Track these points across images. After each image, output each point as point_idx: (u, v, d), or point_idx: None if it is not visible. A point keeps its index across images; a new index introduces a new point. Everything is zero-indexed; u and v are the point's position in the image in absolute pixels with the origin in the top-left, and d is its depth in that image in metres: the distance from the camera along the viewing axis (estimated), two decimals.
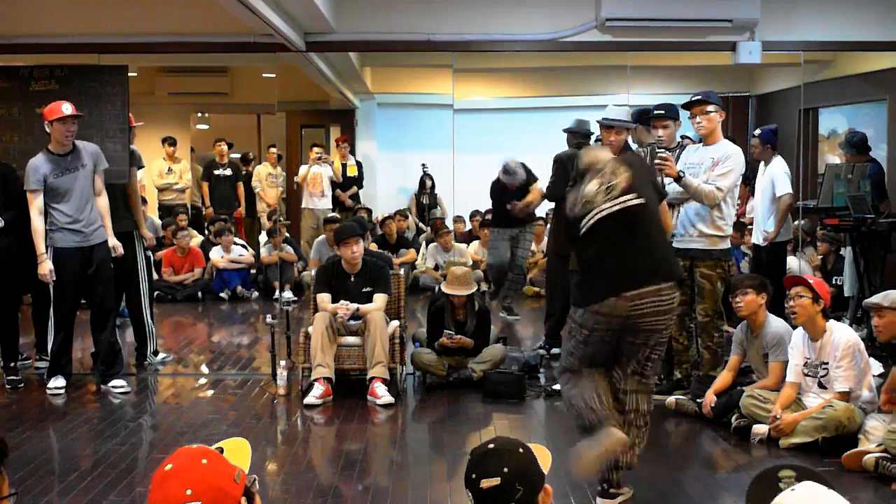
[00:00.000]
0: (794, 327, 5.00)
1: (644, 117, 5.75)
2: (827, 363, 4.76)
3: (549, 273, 6.93)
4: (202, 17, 7.22)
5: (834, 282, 7.73)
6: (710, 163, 5.30)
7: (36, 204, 5.75)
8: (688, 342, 5.53)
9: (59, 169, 5.78)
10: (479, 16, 7.35)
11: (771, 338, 5.09)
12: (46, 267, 5.74)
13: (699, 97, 5.38)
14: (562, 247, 6.19)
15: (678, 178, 5.13)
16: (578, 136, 6.75)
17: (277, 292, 9.06)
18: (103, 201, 6.00)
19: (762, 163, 6.97)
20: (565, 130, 6.91)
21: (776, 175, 6.80)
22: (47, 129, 5.80)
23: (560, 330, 6.86)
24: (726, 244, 5.41)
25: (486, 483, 1.84)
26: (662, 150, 5.27)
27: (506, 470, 1.85)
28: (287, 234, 10.33)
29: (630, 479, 4.15)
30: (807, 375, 4.85)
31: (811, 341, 4.84)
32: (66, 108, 5.75)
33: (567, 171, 6.05)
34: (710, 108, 5.33)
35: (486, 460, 1.88)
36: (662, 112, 5.70)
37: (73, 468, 4.43)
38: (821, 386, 4.79)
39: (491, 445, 1.93)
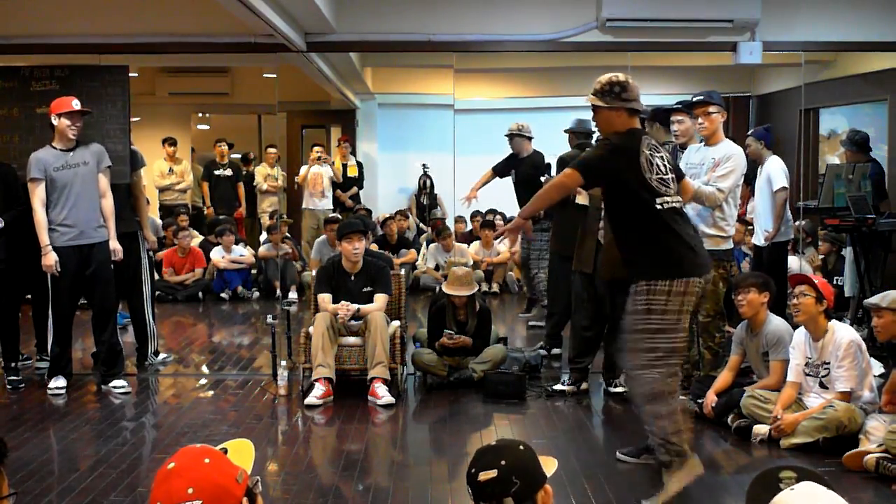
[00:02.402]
0: (795, 326, 5.01)
1: (661, 115, 5.70)
2: (828, 363, 4.76)
3: (551, 273, 6.91)
4: (203, 17, 7.22)
5: (835, 282, 7.73)
6: (712, 163, 5.30)
7: (38, 194, 5.75)
8: (689, 342, 5.52)
9: (59, 162, 5.79)
10: (480, 16, 7.35)
11: (771, 336, 5.08)
12: (51, 258, 5.73)
13: (701, 97, 5.37)
14: (564, 247, 6.18)
15: None
16: (580, 135, 6.75)
17: (278, 292, 9.07)
18: (108, 203, 5.99)
19: (759, 164, 6.96)
20: (566, 131, 6.91)
21: (772, 172, 6.79)
22: (53, 122, 5.82)
23: (561, 330, 6.89)
24: (728, 244, 5.41)
25: (483, 475, 1.88)
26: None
27: (503, 463, 1.88)
28: (288, 235, 10.33)
29: (631, 479, 4.15)
30: (808, 375, 4.85)
31: (813, 341, 4.83)
32: (76, 104, 5.81)
33: None
34: (712, 108, 5.33)
35: (486, 456, 1.94)
36: (679, 106, 5.67)
37: (74, 468, 4.43)
38: (822, 386, 4.79)
39: (493, 443, 2.00)
